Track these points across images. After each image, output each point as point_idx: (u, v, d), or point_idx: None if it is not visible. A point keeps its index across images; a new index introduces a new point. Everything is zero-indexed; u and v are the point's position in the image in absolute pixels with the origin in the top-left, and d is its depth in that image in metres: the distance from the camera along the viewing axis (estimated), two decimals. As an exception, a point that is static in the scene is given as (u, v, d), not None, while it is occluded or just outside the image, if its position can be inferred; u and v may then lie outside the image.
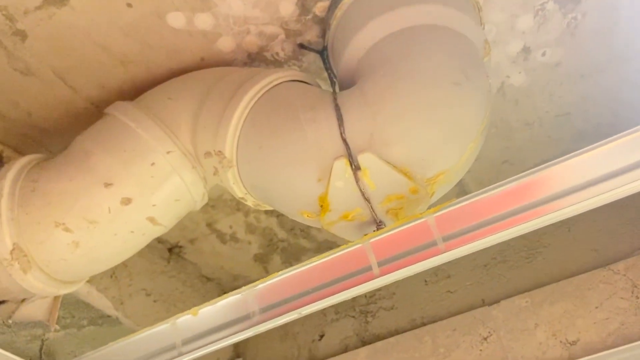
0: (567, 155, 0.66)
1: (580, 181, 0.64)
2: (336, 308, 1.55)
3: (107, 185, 0.89)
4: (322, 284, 0.75)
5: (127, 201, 0.90)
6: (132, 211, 0.90)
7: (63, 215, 0.87)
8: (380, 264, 0.72)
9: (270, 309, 0.77)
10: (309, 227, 1.58)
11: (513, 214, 0.67)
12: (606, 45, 1.17)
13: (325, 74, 1.07)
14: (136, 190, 0.90)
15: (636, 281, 1.16)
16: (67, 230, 0.88)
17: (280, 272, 0.78)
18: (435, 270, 1.45)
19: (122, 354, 0.85)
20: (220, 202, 1.46)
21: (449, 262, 1.43)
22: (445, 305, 1.37)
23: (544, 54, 1.18)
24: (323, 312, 1.57)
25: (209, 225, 1.52)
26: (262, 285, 0.78)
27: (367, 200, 0.77)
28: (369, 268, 0.73)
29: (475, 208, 0.69)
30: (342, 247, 0.75)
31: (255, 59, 1.10)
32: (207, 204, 1.47)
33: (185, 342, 0.80)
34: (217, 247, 1.60)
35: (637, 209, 1.27)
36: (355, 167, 0.75)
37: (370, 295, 1.52)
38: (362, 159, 0.74)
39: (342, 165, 0.75)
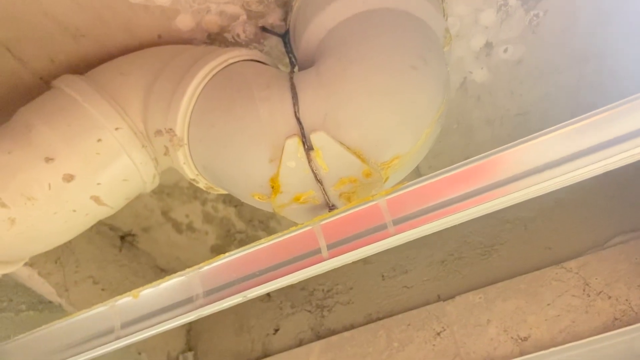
0: (518, 140, 0.66)
1: (530, 166, 0.63)
2: (292, 302, 1.53)
3: (48, 160, 0.84)
4: (269, 266, 0.72)
5: (69, 178, 0.85)
6: (74, 189, 0.86)
7: (-1, 190, 0.82)
8: (329, 247, 0.70)
9: (215, 292, 0.74)
10: (268, 218, 1.55)
11: (464, 197, 0.66)
12: (566, 44, 1.18)
13: (287, 60, 1.05)
14: (80, 167, 0.86)
15: (588, 279, 1.18)
16: (3, 205, 0.83)
17: (226, 254, 0.75)
18: (393, 266, 1.45)
19: (57, 336, 0.80)
20: (176, 190, 1.42)
21: (407, 257, 1.43)
22: (401, 301, 1.36)
23: (506, 51, 1.19)
24: (279, 305, 1.54)
25: (164, 213, 1.48)
26: (207, 267, 0.75)
27: (319, 182, 0.75)
28: (318, 251, 0.71)
29: (427, 191, 0.67)
30: (291, 229, 0.73)
31: (216, 40, 1.06)
32: (162, 192, 1.43)
33: (125, 325, 0.77)
34: (172, 237, 1.56)
35: (592, 208, 1.29)
36: (308, 147, 0.73)
37: (328, 290, 1.50)
38: (315, 138, 0.72)
39: (294, 144, 0.72)
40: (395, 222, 0.68)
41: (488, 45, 1.17)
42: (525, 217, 1.35)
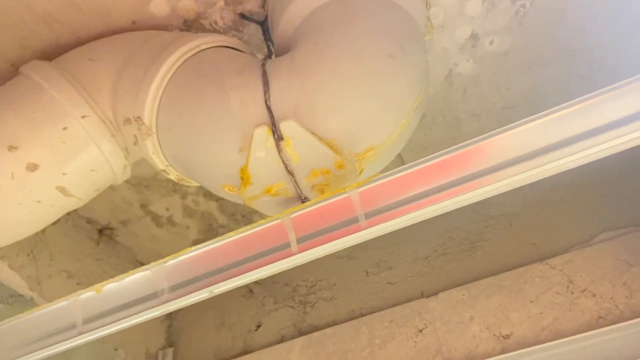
0: (492, 132, 0.63)
1: (505, 158, 0.61)
2: (275, 298, 1.50)
3: (11, 148, 0.81)
4: (237, 260, 0.69)
5: (33, 167, 0.82)
6: (39, 179, 0.83)
7: (-42, 178, 0.79)
8: (299, 241, 0.67)
9: (181, 287, 0.71)
10: (251, 212, 1.52)
11: (439, 189, 0.63)
12: (553, 36, 1.15)
13: (266, 50, 1.01)
14: (44, 156, 0.82)
15: (572, 276, 1.15)
16: (-38, 194, 0.79)
17: (193, 248, 0.72)
18: (378, 262, 1.42)
19: (19, 331, 0.77)
20: (154, 182, 1.38)
21: (392, 254, 1.40)
22: (385, 297, 1.34)
23: (492, 42, 1.16)
24: (262, 301, 1.52)
25: (142, 206, 1.44)
26: (172, 261, 0.72)
27: (290, 173, 0.72)
28: (288, 245, 0.68)
29: (401, 183, 0.65)
30: (259, 222, 0.70)
31: (192, 27, 1.03)
32: (140, 184, 1.40)
33: (87, 321, 0.73)
34: (152, 231, 1.52)
35: (578, 204, 1.26)
36: (278, 137, 0.70)
37: (311, 286, 1.47)
38: (285, 127, 0.69)
39: (263, 133, 0.69)
40: (367, 216, 0.65)
41: (473, 36, 1.14)
42: (510, 214, 1.33)
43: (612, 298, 1.09)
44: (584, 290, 1.12)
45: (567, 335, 1.07)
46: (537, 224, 1.28)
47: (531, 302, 1.15)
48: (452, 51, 1.16)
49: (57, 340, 0.74)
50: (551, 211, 1.28)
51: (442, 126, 1.33)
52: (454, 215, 1.40)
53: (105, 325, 0.73)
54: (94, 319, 0.74)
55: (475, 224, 1.35)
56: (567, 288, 1.14)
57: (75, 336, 0.73)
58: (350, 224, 0.66)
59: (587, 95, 0.62)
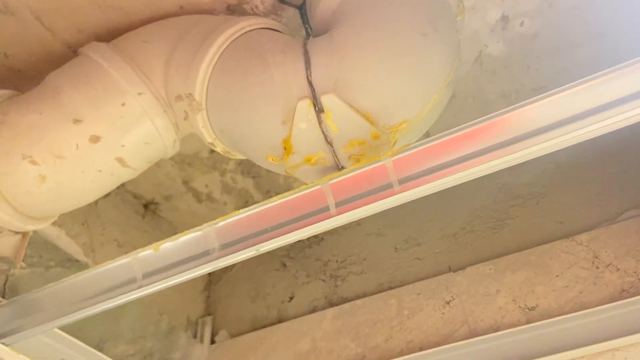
0: (525, 102, 0.68)
1: (533, 127, 0.66)
2: (307, 272, 1.58)
3: (76, 121, 0.89)
4: (279, 222, 0.76)
5: (95, 139, 0.90)
6: (100, 149, 0.91)
7: (30, 148, 0.88)
8: (337, 205, 0.74)
9: (230, 246, 0.79)
10: (285, 190, 1.59)
11: (467, 158, 0.68)
12: (583, 19, 1.18)
13: (304, 32, 1.08)
14: (105, 129, 0.91)
15: (598, 252, 1.19)
16: (33, 163, 0.88)
17: (241, 210, 0.79)
18: (406, 238, 1.48)
19: (84, 286, 0.86)
20: (196, 160, 1.47)
21: (420, 230, 1.46)
22: (413, 271, 1.40)
23: (522, 24, 1.19)
24: (294, 275, 1.59)
25: (185, 183, 1.53)
26: (222, 222, 0.80)
27: (329, 143, 0.78)
28: (327, 208, 0.74)
29: (432, 152, 0.70)
30: (301, 187, 0.77)
31: (235, 11, 1.10)
32: (183, 162, 1.49)
33: (146, 276, 0.82)
34: (193, 206, 1.61)
35: (603, 183, 1.29)
36: (319, 109, 0.76)
37: (342, 260, 1.54)
38: (325, 100, 0.75)
39: (305, 106, 0.76)
40: (401, 182, 0.71)
41: (504, 18, 1.18)
42: (537, 193, 1.37)
43: (635, 272, 1.12)
44: (609, 265, 1.16)
45: (591, 307, 1.11)
46: (563, 202, 1.32)
47: (557, 276, 1.19)
48: (482, 33, 1.20)
49: (118, 293, 0.83)
50: (578, 191, 1.32)
51: (471, 107, 1.38)
52: (481, 195, 1.45)
53: (161, 279, 0.81)
54: (151, 274, 0.82)
55: (502, 203, 1.39)
56: (593, 263, 1.18)
57: (135, 289, 0.82)
58: (384, 189, 0.72)
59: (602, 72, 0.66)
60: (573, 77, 1.32)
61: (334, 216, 0.73)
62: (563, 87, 0.67)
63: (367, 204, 0.72)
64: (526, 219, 1.34)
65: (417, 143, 0.71)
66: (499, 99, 1.36)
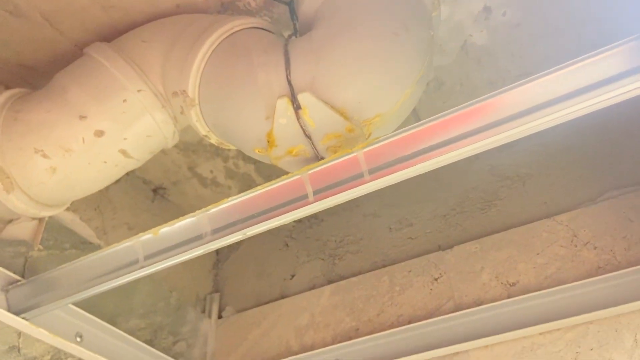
0: (491, 93, 0.74)
1: (496, 118, 0.72)
2: (308, 251, 1.67)
3: (82, 117, 0.98)
4: (264, 209, 0.85)
5: (100, 133, 0.99)
6: (105, 143, 1.00)
7: (42, 143, 0.97)
8: (315, 193, 0.82)
9: (220, 230, 0.87)
10: (285, 173, 1.67)
11: (431, 149, 0.75)
12: (564, 7, 1.22)
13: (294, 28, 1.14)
14: (109, 124, 0.99)
15: (577, 231, 1.25)
16: (45, 156, 0.98)
17: (230, 198, 0.87)
18: (400, 219, 1.55)
19: (91, 267, 0.96)
20: (200, 148, 1.56)
21: (413, 212, 1.53)
22: (405, 250, 1.48)
23: (504, 14, 1.24)
24: (296, 254, 1.68)
25: (190, 168, 1.62)
26: (214, 209, 0.88)
27: (308, 137, 0.86)
28: (306, 196, 0.82)
29: (400, 143, 0.77)
30: (282, 177, 0.84)
31: (228, 8, 1.17)
32: (188, 149, 1.57)
33: (147, 258, 0.91)
34: (198, 191, 1.71)
35: (586, 166, 1.35)
36: (297, 106, 0.83)
37: (340, 240, 1.62)
38: (302, 98, 0.82)
39: (284, 104, 0.83)
40: (371, 172, 0.79)
41: (486, 9, 1.22)
42: (524, 174, 1.43)
43: (611, 250, 1.19)
44: (587, 243, 1.22)
45: (568, 283, 1.18)
46: (548, 183, 1.37)
47: (537, 254, 1.26)
48: (466, 23, 1.25)
49: (123, 272, 0.93)
50: (562, 172, 1.37)
51: (459, 94, 1.43)
52: (472, 176, 1.51)
53: (161, 260, 0.90)
54: (152, 256, 0.91)
55: (491, 184, 1.46)
56: (571, 242, 1.24)
57: (137, 269, 0.91)
58: (356, 178, 0.80)
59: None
60: (557, 63, 1.36)
61: (311, 203, 0.81)
62: (539, 74, 0.72)
63: (341, 192, 0.80)
64: (513, 199, 1.40)
65: (384, 136, 0.78)
66: (486, 86, 1.41)
